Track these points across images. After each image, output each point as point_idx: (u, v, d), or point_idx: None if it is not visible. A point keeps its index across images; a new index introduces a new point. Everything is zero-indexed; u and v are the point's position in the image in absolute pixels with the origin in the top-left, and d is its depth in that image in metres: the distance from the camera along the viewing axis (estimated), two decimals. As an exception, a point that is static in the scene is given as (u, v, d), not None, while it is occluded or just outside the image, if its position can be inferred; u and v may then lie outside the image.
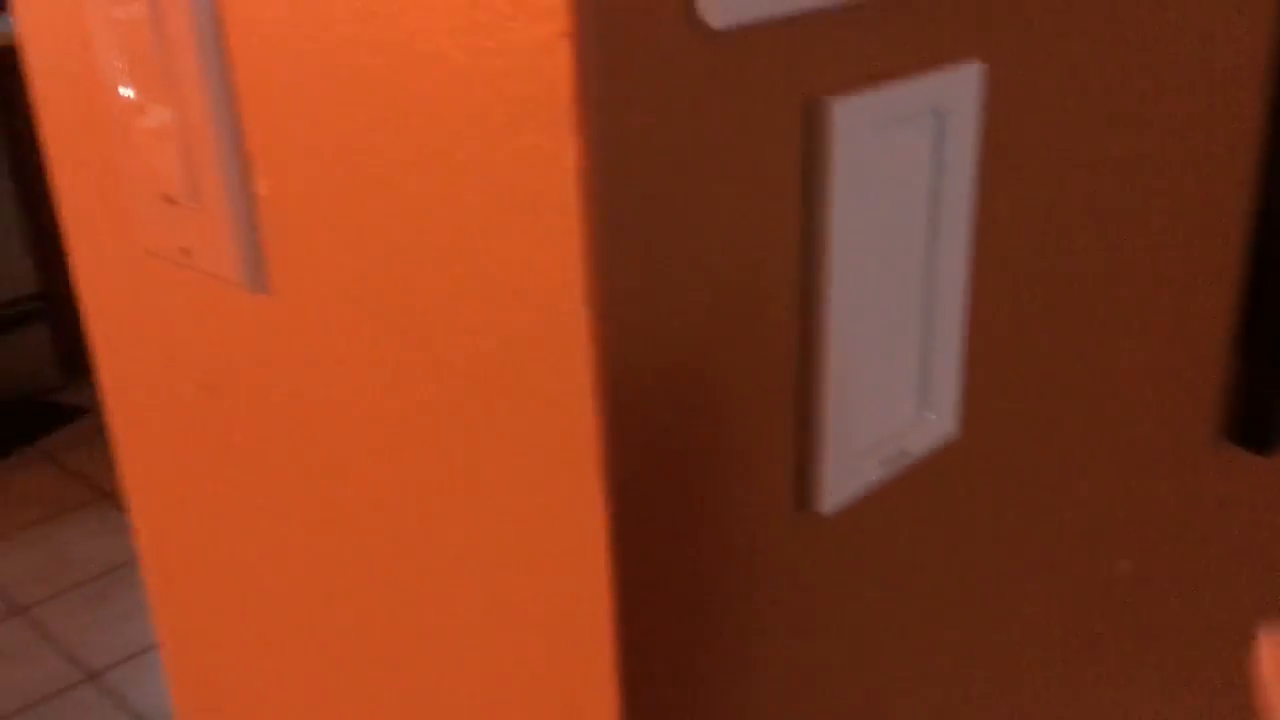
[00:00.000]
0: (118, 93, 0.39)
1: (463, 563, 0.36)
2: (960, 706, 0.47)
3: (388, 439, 0.37)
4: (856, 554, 0.38)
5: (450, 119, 0.30)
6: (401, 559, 0.38)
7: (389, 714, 0.42)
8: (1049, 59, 0.39)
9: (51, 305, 2.88)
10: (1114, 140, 0.44)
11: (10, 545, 2.64)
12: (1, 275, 2.78)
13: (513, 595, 0.34)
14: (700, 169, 0.29)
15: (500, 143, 0.29)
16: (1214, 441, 0.61)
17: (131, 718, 2.12)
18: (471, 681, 0.38)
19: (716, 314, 0.31)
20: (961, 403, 0.40)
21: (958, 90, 0.35)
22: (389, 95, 0.31)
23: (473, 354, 0.32)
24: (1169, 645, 0.62)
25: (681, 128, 0.29)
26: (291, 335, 0.39)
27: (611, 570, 0.31)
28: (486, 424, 0.33)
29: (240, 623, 0.49)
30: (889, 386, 0.36)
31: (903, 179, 0.34)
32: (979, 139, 0.37)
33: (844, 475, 0.36)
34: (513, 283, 0.30)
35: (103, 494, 2.75)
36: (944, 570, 0.43)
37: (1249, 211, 0.56)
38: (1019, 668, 0.50)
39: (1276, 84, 0.54)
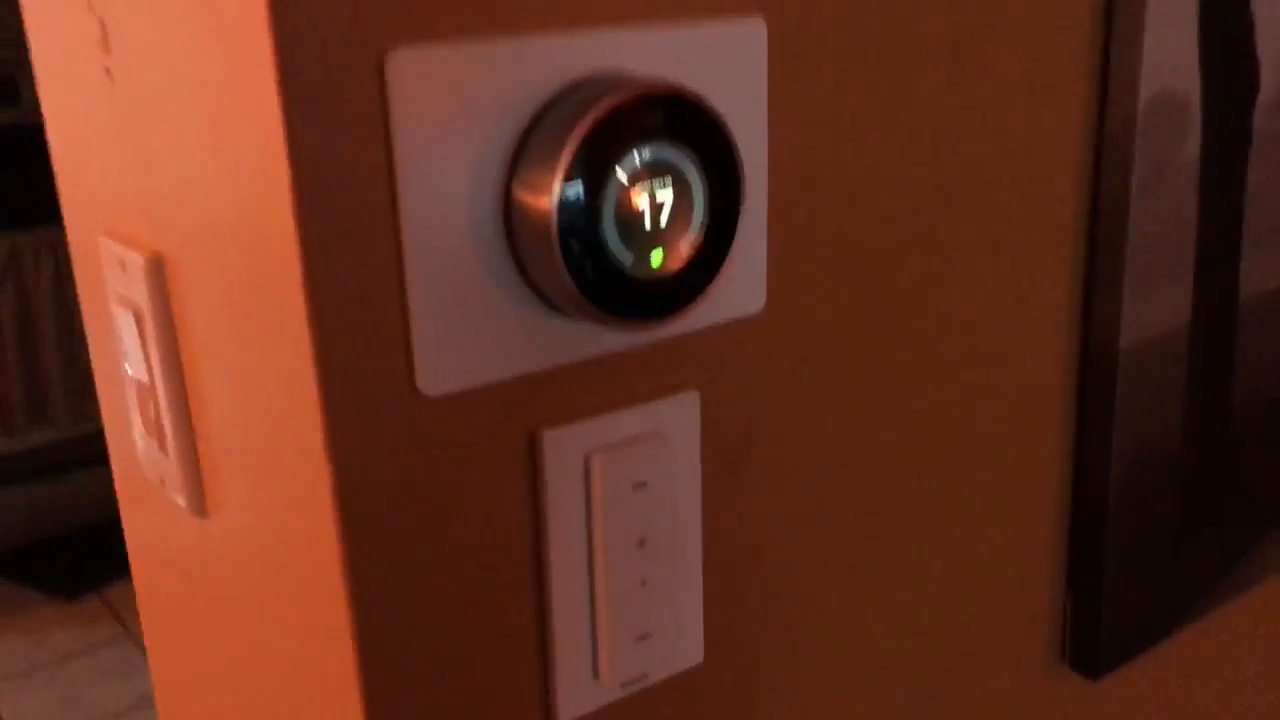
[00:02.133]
0: (125, 369, 0.56)
1: (302, 734, 0.50)
2: None
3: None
4: (601, 754, 0.50)
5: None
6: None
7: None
8: (771, 388, 0.51)
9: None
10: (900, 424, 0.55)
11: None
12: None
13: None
14: (437, 501, 0.43)
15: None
16: (1054, 665, 0.69)
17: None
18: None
19: (467, 583, 0.45)
20: (704, 640, 0.52)
21: (676, 414, 0.48)
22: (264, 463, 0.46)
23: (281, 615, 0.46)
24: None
25: (417, 469, 0.42)
26: (218, 553, 0.54)
27: (378, 754, 0.44)
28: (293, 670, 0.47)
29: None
30: (621, 634, 0.48)
31: (631, 477, 0.47)
32: (700, 455, 0.49)
33: (580, 696, 0.48)
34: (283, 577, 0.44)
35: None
36: (704, 768, 0.54)
37: (1067, 467, 0.66)
38: None
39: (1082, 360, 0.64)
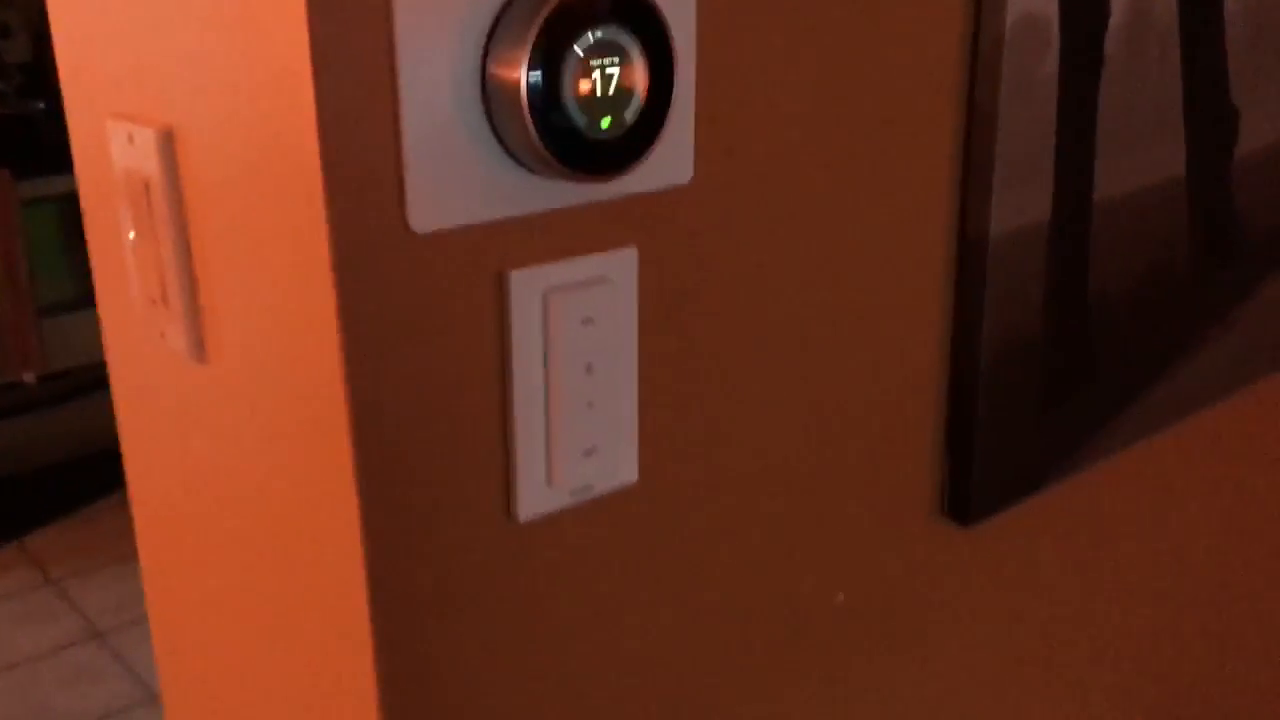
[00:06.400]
0: (128, 236, 0.64)
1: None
2: (661, 708, 0.67)
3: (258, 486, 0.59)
4: (553, 558, 0.59)
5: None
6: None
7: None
8: (698, 249, 0.61)
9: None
10: (802, 263, 0.66)
11: (99, 578, 2.94)
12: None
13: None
14: (422, 324, 0.52)
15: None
16: (933, 515, 0.80)
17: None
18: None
19: (446, 396, 0.54)
20: (638, 461, 0.61)
21: (619, 265, 0.57)
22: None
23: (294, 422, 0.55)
24: (877, 665, 0.81)
25: (406, 295, 0.51)
26: (218, 391, 0.62)
27: (366, 558, 0.53)
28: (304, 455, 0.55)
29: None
30: (571, 447, 0.58)
31: (580, 314, 0.56)
32: (637, 300, 0.59)
33: (536, 499, 0.57)
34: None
35: (182, 536, 3.03)
36: (639, 587, 0.64)
37: (946, 341, 0.77)
38: (720, 673, 0.70)
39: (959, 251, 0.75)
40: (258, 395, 0.59)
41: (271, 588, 0.63)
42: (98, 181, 0.68)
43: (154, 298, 0.63)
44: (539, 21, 0.49)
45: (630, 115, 0.52)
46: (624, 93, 0.52)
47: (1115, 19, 0.76)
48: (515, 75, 0.50)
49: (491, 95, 0.51)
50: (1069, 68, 0.74)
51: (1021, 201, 0.75)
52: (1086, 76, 0.76)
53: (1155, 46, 0.80)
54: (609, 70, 0.51)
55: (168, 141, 0.59)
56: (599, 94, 0.51)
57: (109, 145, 0.64)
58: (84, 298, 3.13)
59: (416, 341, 0.53)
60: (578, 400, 0.57)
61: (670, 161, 0.58)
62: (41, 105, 3.25)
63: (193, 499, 0.69)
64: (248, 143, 0.53)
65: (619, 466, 0.60)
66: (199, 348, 0.62)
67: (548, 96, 0.50)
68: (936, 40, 0.69)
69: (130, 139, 0.61)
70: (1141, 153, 0.82)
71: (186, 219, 0.60)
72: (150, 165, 0.60)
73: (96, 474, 3.27)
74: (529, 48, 0.49)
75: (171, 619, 0.78)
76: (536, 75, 0.49)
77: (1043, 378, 0.81)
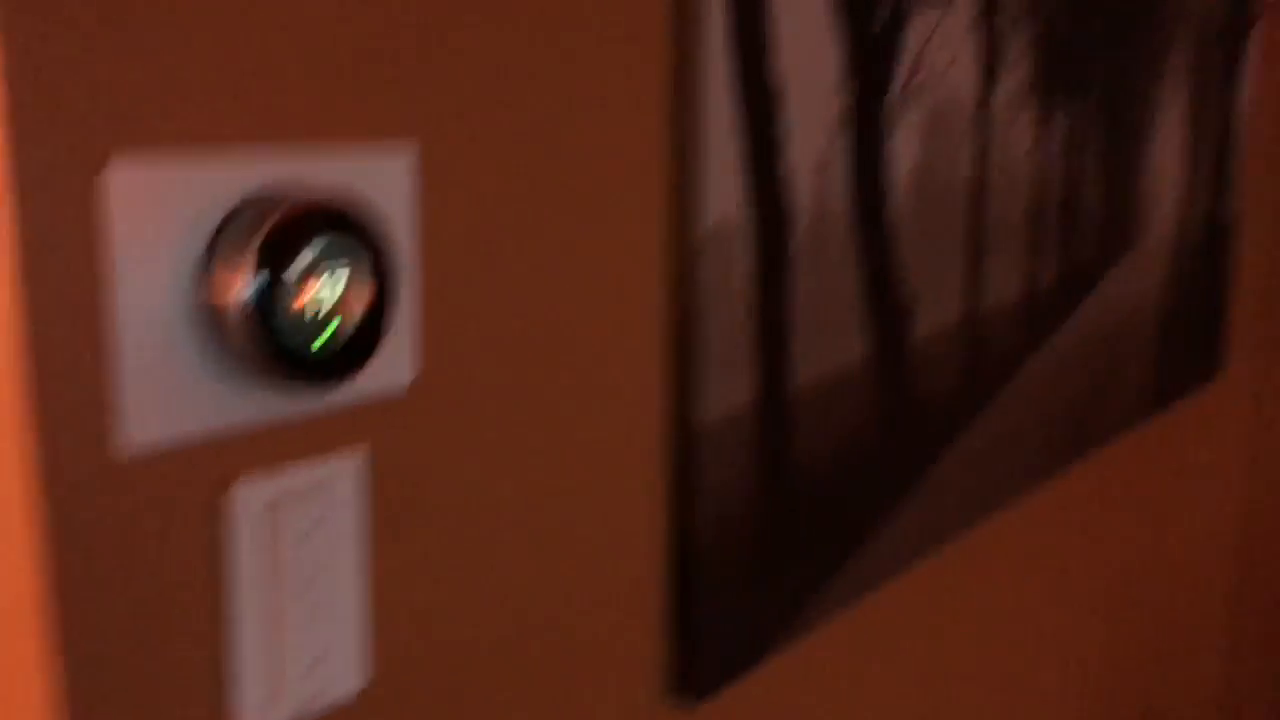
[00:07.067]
0: None
1: None
2: None
3: None
4: (279, 771, 0.58)
5: None
6: None
7: None
8: (422, 448, 0.62)
9: None
10: (513, 492, 0.67)
11: None
12: None
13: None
14: (140, 546, 0.51)
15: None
16: (664, 695, 0.83)
17: None
18: None
19: (163, 622, 0.52)
20: (371, 664, 0.61)
21: (343, 470, 0.58)
22: None
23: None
24: None
25: (121, 520, 0.50)
26: None
27: (76, 779, 0.50)
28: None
29: None
30: (295, 661, 0.57)
31: (304, 523, 0.56)
32: (366, 498, 0.59)
33: (256, 712, 0.56)
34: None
35: None
36: (370, 786, 0.62)
37: (666, 518, 0.80)
38: None
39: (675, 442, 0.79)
40: None
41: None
42: None
43: None
44: (255, 244, 0.51)
45: (350, 326, 0.54)
46: (343, 306, 0.54)
47: (800, 223, 0.84)
48: (233, 297, 0.51)
49: (211, 312, 0.51)
50: (761, 268, 0.81)
51: (728, 388, 0.80)
52: (777, 275, 0.83)
53: (836, 246, 0.89)
54: (325, 286, 0.53)
55: None
56: (317, 310, 0.53)
57: None
58: None
59: (133, 568, 0.51)
60: (302, 611, 0.56)
61: (392, 365, 0.60)
62: None
63: None
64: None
65: (348, 673, 0.60)
66: None
67: (266, 316, 0.51)
68: (642, 248, 0.75)
69: None
70: (832, 338, 0.90)
71: None
72: None
73: None
74: (245, 268, 0.50)
75: None
76: (253, 296, 0.51)
77: (758, 550, 0.86)
